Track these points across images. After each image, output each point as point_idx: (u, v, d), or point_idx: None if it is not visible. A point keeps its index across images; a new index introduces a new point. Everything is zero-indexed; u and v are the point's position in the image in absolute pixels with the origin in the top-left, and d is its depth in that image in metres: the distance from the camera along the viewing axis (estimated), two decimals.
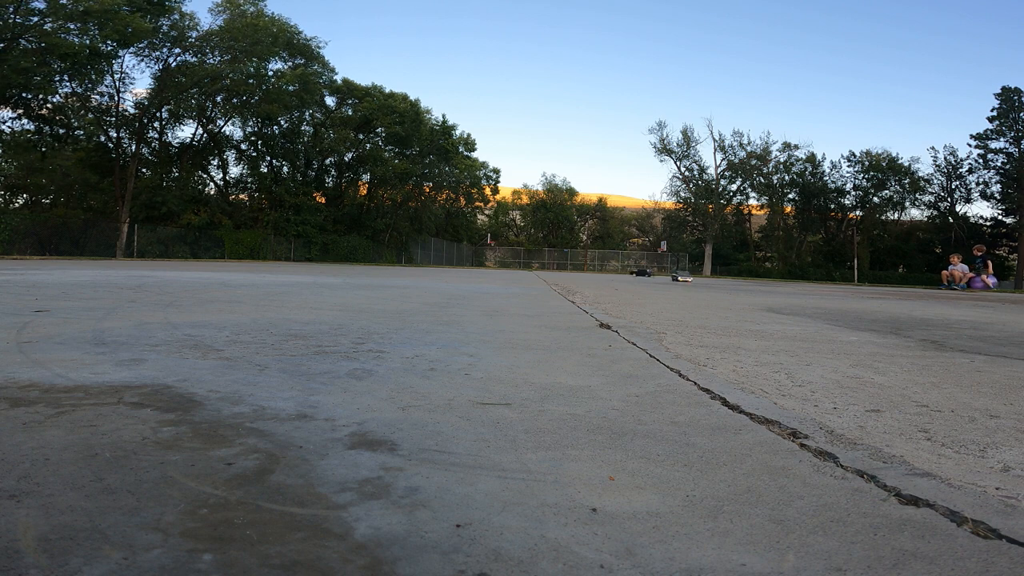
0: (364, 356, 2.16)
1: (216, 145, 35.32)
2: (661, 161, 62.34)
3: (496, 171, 49.96)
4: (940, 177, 43.92)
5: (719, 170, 46.27)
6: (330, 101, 39.89)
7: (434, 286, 8.24)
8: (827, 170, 46.00)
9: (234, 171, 39.19)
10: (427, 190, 45.26)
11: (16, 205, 29.24)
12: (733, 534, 0.82)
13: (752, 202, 48.85)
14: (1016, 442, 1.32)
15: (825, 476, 1.06)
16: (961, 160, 43.26)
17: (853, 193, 45.50)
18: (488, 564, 0.71)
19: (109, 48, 24.54)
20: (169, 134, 32.51)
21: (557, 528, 0.82)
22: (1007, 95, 40.49)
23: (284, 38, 31.77)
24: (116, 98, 27.74)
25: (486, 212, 55.29)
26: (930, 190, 44.39)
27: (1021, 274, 37.83)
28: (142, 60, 28.32)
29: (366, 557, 0.72)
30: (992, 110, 41.15)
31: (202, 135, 34.13)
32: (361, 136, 39.78)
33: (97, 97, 27.30)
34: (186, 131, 37.95)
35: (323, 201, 39.35)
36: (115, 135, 28.81)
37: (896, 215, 46.29)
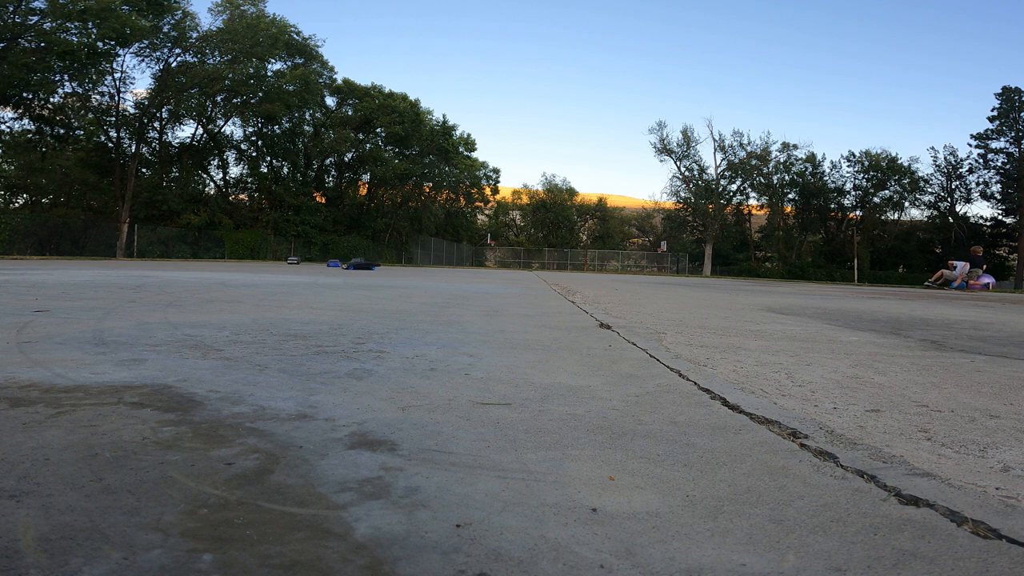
0: (364, 356, 2.16)
1: (216, 145, 35.34)
2: (661, 161, 62.40)
3: (496, 171, 50.00)
4: (940, 177, 43.93)
5: (719, 170, 46.25)
6: (330, 101, 39.94)
7: (434, 286, 8.24)
8: (827, 170, 46.03)
9: (234, 171, 39.22)
10: (427, 190, 45.26)
11: (16, 205, 29.22)
12: (733, 534, 0.82)
13: (752, 202, 48.85)
14: (1016, 442, 1.32)
15: (825, 476, 1.06)
16: (961, 160, 43.27)
17: (853, 193, 45.52)
18: (488, 564, 0.71)
19: (107, 47, 24.54)
20: (169, 134, 32.55)
21: (557, 528, 0.82)
22: (1007, 95, 40.47)
23: (284, 38, 31.80)
24: (116, 98, 27.76)
25: (486, 212, 55.27)
26: (930, 190, 44.39)
27: (1021, 274, 37.81)
28: (143, 60, 28.36)
29: (366, 557, 0.72)
30: (992, 110, 41.15)
31: (202, 135, 34.14)
32: (361, 136, 39.79)
33: (97, 97, 27.32)
34: (186, 131, 37.95)
35: (323, 201, 39.36)
36: (115, 135, 28.83)
37: (896, 215, 46.29)
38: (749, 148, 45.25)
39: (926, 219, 45.88)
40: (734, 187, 47.11)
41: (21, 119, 25.31)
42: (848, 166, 45.50)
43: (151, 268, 11.76)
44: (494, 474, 1.01)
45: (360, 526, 0.80)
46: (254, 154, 36.76)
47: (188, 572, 0.67)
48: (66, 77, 24.43)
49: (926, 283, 18.39)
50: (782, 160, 45.61)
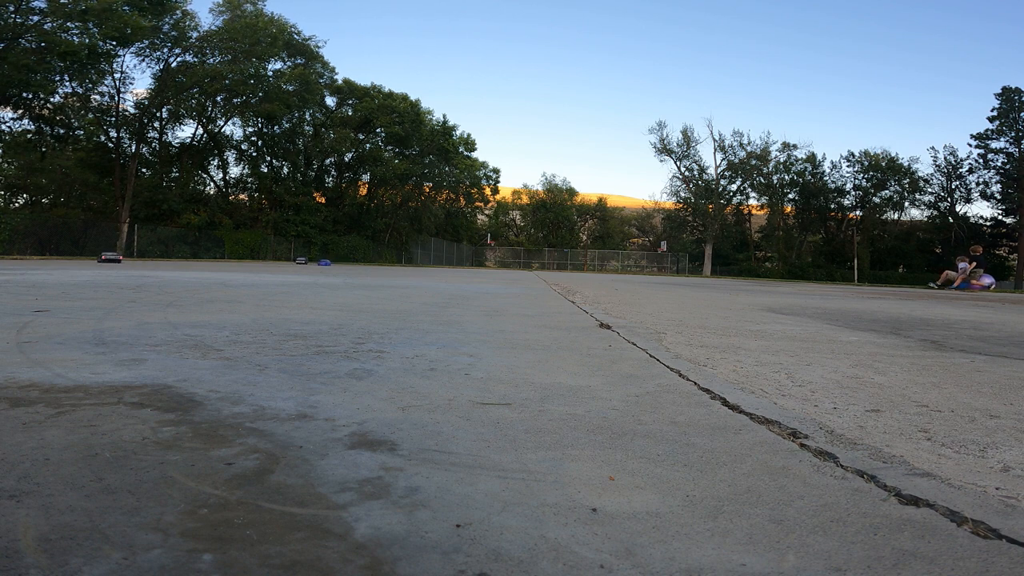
0: (364, 356, 2.15)
1: (216, 145, 35.33)
2: (661, 161, 62.47)
3: (496, 171, 49.90)
4: (940, 177, 43.93)
5: (719, 170, 46.24)
6: (330, 101, 39.94)
7: (434, 286, 8.24)
8: (827, 170, 46.02)
9: (234, 171, 39.24)
10: (427, 190, 45.21)
11: (16, 205, 29.23)
12: (733, 534, 0.82)
13: (752, 202, 48.83)
14: (1016, 442, 1.32)
15: (825, 476, 1.06)
16: (961, 160, 43.27)
17: (853, 193, 45.50)
18: (488, 564, 0.71)
19: (108, 47, 24.53)
20: (169, 134, 32.56)
21: (557, 528, 0.82)
22: (1007, 95, 40.48)
23: (283, 38, 31.81)
24: (116, 98, 27.75)
25: (486, 212, 55.20)
26: (930, 190, 44.40)
27: (1021, 274, 37.81)
28: (143, 60, 28.37)
29: (366, 557, 0.72)
30: (992, 110, 41.15)
31: (202, 135, 34.14)
32: (361, 136, 39.79)
33: (97, 97, 27.30)
34: (186, 131, 38.07)
35: (323, 201, 39.35)
36: (115, 135, 28.82)
37: (896, 215, 46.28)
38: (749, 148, 45.23)
39: (926, 219, 45.87)
40: (734, 187, 47.09)
41: (21, 119, 25.30)
42: (848, 166, 45.52)
43: (151, 268, 11.76)
44: (494, 474, 1.01)
45: (360, 526, 0.80)
46: (254, 154, 36.76)
47: (188, 572, 0.67)
48: (66, 77, 24.41)
49: (930, 284, 18.45)
50: (782, 160, 45.60)
